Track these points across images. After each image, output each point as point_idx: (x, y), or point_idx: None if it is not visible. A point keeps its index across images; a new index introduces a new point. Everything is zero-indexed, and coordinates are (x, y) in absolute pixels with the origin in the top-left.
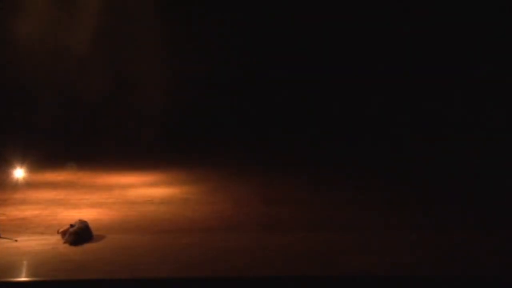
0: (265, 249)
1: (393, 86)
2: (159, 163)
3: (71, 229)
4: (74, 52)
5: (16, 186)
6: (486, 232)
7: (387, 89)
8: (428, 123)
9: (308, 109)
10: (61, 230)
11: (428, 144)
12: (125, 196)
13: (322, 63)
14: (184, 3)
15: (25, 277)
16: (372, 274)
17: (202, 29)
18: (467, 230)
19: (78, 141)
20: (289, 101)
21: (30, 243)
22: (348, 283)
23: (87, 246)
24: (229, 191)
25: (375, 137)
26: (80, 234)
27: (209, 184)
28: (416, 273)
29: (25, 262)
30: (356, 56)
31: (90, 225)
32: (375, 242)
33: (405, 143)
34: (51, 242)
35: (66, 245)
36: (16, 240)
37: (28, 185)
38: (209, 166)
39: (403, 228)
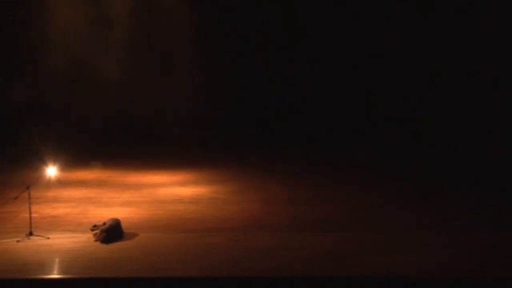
0: (293, 249)
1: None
2: (189, 162)
3: (103, 227)
4: (116, 63)
5: (49, 184)
6: None
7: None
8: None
9: (336, 110)
10: (99, 223)
11: (456, 146)
12: (155, 195)
13: (355, 63)
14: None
15: (56, 274)
16: (399, 275)
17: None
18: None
19: (111, 141)
20: (317, 102)
21: (61, 241)
22: (374, 284)
23: (117, 245)
24: (257, 191)
25: (403, 138)
26: (111, 232)
27: (237, 184)
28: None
29: (56, 260)
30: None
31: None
32: (403, 242)
33: (434, 144)
34: (82, 240)
35: (97, 243)
36: (48, 238)
37: (60, 183)
38: (238, 166)
39: (433, 228)
